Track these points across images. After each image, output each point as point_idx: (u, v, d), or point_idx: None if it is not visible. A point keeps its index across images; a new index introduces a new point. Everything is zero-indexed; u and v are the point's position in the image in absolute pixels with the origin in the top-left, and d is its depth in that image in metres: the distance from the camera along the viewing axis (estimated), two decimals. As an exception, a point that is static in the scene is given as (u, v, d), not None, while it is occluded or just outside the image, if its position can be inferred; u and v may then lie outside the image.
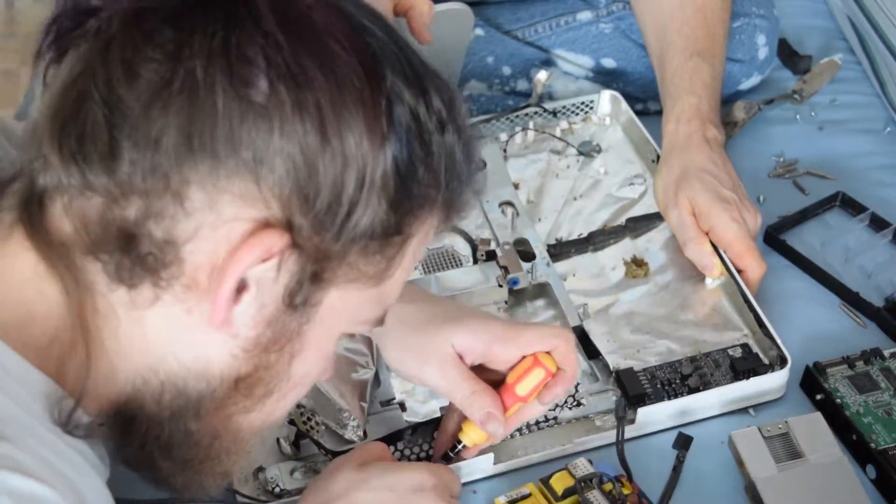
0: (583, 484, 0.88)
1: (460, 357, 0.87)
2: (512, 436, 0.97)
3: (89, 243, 0.58)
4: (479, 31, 1.33)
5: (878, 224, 1.18)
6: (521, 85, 1.32)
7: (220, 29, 0.56)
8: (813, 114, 1.34)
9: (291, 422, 0.95)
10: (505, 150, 1.24)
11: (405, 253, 0.63)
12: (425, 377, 0.89)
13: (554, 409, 0.99)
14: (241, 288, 0.59)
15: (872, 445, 0.96)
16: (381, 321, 0.67)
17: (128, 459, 0.66)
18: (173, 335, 0.61)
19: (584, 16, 1.34)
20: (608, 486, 0.88)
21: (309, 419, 0.95)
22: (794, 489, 0.91)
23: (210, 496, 0.69)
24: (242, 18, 0.56)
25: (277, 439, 0.94)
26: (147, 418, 0.63)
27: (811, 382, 1.02)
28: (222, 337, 0.60)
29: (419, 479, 0.81)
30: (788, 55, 1.41)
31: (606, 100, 1.29)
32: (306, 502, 0.81)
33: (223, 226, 0.57)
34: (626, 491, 0.88)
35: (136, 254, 0.57)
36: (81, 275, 0.59)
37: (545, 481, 0.89)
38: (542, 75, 1.25)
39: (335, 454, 0.93)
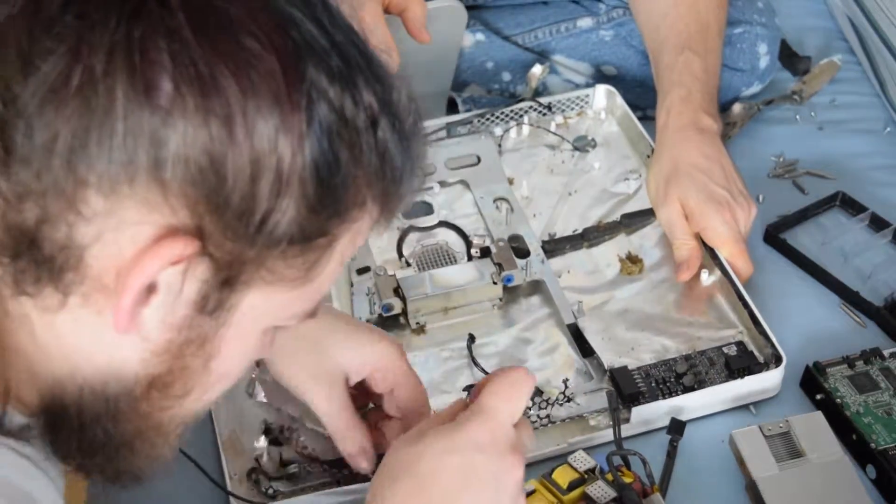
0: (587, 475, 0.88)
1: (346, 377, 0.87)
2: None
3: None
4: (479, 37, 1.33)
5: (877, 224, 1.17)
6: (521, 90, 1.31)
7: (124, 21, 0.52)
8: (813, 114, 1.34)
9: (273, 441, 0.94)
10: (500, 146, 1.23)
11: (332, 254, 0.60)
12: (310, 396, 0.88)
13: (547, 408, 0.97)
14: (150, 290, 0.56)
15: (872, 445, 0.95)
16: (312, 314, 0.64)
17: (60, 456, 0.64)
18: (85, 338, 0.58)
19: (585, 22, 1.34)
20: (610, 476, 0.87)
21: (290, 433, 0.95)
22: (794, 488, 0.90)
23: (146, 481, 0.67)
24: (149, 8, 0.52)
25: (257, 458, 0.93)
26: (70, 418, 0.61)
27: (811, 382, 1.01)
28: (133, 339, 0.57)
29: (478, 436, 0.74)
30: (788, 56, 1.40)
31: (602, 94, 1.28)
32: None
33: (127, 229, 0.54)
34: (627, 479, 0.88)
35: (37, 258, 0.54)
36: None
37: (547, 476, 0.89)
38: (536, 69, 1.25)
39: (322, 462, 0.93)
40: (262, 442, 0.94)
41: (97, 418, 0.60)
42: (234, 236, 0.55)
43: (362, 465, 0.88)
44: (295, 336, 0.83)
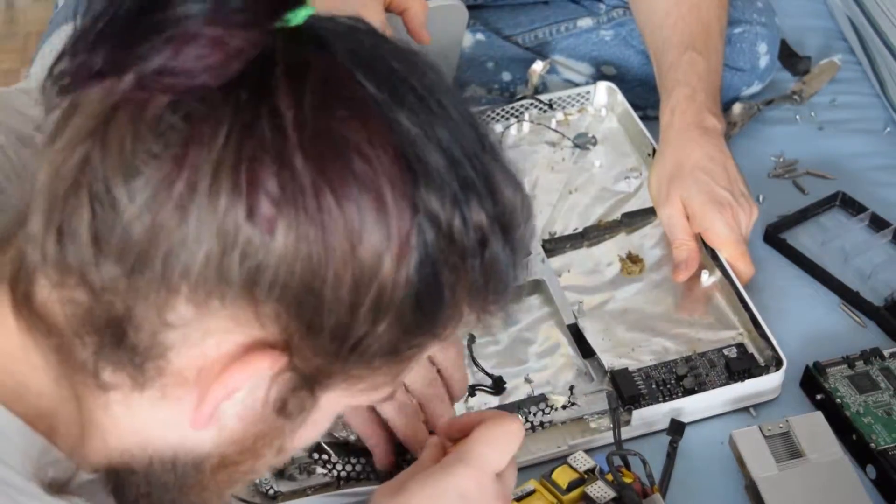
0: (587, 476, 0.88)
1: None
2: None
3: (76, 327, 0.54)
4: (479, 36, 1.32)
5: (877, 224, 1.17)
6: (521, 90, 1.31)
7: (234, 133, 0.50)
8: (813, 114, 1.33)
9: None
10: (500, 143, 1.22)
11: (419, 359, 0.59)
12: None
13: (549, 413, 0.97)
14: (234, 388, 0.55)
15: (872, 445, 0.95)
16: (391, 397, 0.64)
17: None
18: (160, 422, 0.57)
19: (585, 22, 1.34)
20: (610, 476, 0.87)
21: None
22: (794, 489, 0.90)
23: None
24: (261, 126, 0.50)
25: None
26: (138, 484, 0.60)
27: (811, 382, 1.01)
28: (208, 429, 0.57)
29: (464, 486, 0.73)
30: (788, 56, 1.40)
31: (602, 91, 1.27)
32: None
33: (215, 337, 0.53)
34: (627, 480, 0.88)
35: (120, 346, 0.54)
36: (71, 354, 0.55)
37: (547, 476, 0.89)
38: (537, 66, 1.24)
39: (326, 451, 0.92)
40: None
41: (165, 487, 0.60)
42: (323, 354, 0.54)
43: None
44: None
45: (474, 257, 0.55)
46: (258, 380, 0.55)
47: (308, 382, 0.56)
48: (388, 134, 0.53)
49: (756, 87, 1.33)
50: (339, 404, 0.60)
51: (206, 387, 0.54)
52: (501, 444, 0.73)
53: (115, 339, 0.53)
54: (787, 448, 0.92)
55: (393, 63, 0.55)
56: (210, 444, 0.58)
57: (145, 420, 0.57)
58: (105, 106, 0.51)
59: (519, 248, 0.58)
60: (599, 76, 1.33)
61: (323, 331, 0.53)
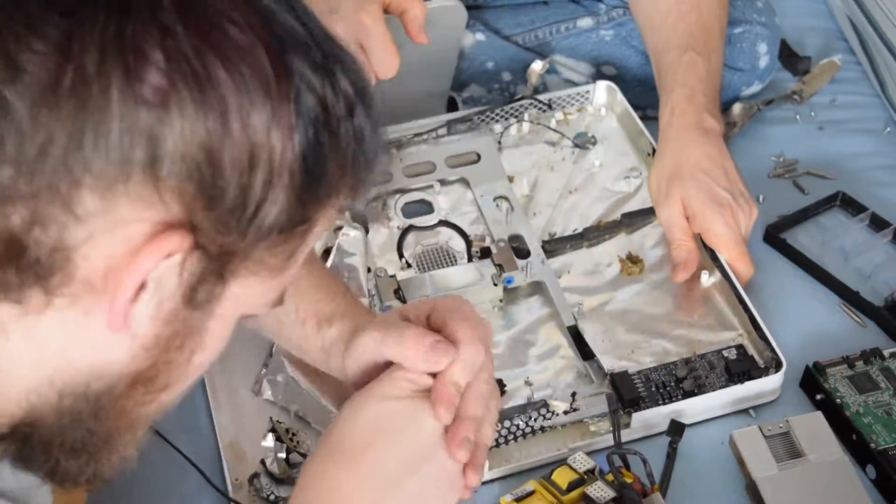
0: (586, 476, 0.88)
1: None
2: (507, 442, 0.96)
3: None
4: (479, 36, 1.32)
5: (877, 224, 1.17)
6: (521, 90, 1.31)
7: (113, 17, 0.51)
8: (813, 114, 1.34)
9: (279, 439, 0.94)
10: (499, 143, 1.23)
11: (308, 240, 0.61)
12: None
13: (551, 419, 0.97)
14: (140, 287, 0.55)
15: (872, 445, 0.95)
16: (280, 301, 0.64)
17: (31, 470, 0.63)
18: (69, 340, 0.57)
19: (585, 22, 1.34)
20: (610, 477, 0.88)
21: (294, 436, 0.95)
22: (794, 489, 0.90)
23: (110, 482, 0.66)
24: (138, 5, 0.52)
25: (262, 460, 0.93)
26: (47, 429, 0.60)
27: (811, 382, 1.01)
28: (121, 337, 0.57)
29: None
30: (788, 56, 1.40)
31: (602, 90, 1.28)
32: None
33: (120, 229, 0.54)
34: (627, 479, 0.88)
35: (22, 262, 0.53)
36: None
37: (547, 477, 0.89)
38: (537, 65, 1.24)
39: None
40: (270, 440, 0.93)
41: (78, 418, 0.60)
42: (225, 229, 0.55)
43: None
44: None
45: (346, 125, 0.58)
46: (167, 269, 0.55)
47: (213, 265, 0.56)
48: (250, 4, 0.56)
49: (756, 87, 1.33)
50: (242, 304, 0.61)
51: (118, 284, 0.54)
52: (427, 354, 0.75)
53: (16, 256, 0.53)
54: (787, 448, 0.93)
55: None
56: (123, 357, 0.58)
57: (52, 345, 0.57)
58: None
59: (377, 124, 0.61)
60: (599, 76, 1.33)
61: (224, 200, 0.54)
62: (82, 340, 0.57)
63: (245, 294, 0.60)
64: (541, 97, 1.26)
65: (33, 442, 0.60)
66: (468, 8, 1.23)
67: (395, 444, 0.72)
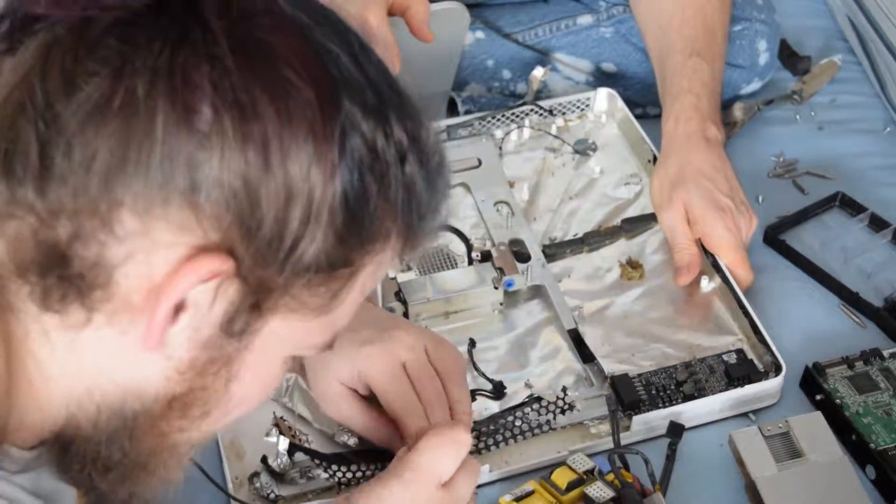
0: (586, 476, 0.88)
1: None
2: (507, 443, 0.96)
3: (19, 264, 0.55)
4: (479, 34, 1.32)
5: (877, 224, 1.17)
6: (521, 88, 1.32)
7: (167, 46, 0.53)
8: (813, 114, 1.34)
9: (281, 433, 0.94)
10: (500, 148, 1.23)
11: (354, 284, 0.61)
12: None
13: (546, 414, 0.98)
14: (178, 308, 0.56)
15: (872, 446, 0.95)
16: (329, 346, 0.65)
17: (69, 480, 0.64)
18: (107, 357, 0.58)
19: (585, 19, 1.34)
20: (610, 477, 0.88)
21: (296, 434, 0.95)
22: (794, 489, 0.90)
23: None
24: (193, 37, 0.54)
25: (264, 456, 0.93)
26: (84, 441, 0.61)
27: (811, 383, 1.01)
28: (157, 358, 0.58)
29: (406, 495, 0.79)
30: (788, 56, 1.40)
31: (603, 97, 1.28)
32: None
33: (160, 251, 0.55)
34: (627, 479, 0.88)
35: (66, 275, 0.55)
36: (9, 299, 0.57)
37: (547, 477, 0.89)
38: (538, 72, 1.25)
39: (326, 458, 0.92)
40: (274, 435, 0.94)
41: (114, 436, 0.61)
42: (263, 262, 0.56)
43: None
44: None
45: (395, 170, 0.58)
46: (205, 293, 0.56)
47: (251, 297, 0.57)
48: (309, 44, 0.57)
49: (756, 85, 1.33)
50: (284, 343, 0.61)
51: (157, 303, 0.55)
52: (445, 454, 0.78)
53: (59, 268, 0.55)
54: (787, 448, 0.93)
55: None
56: (157, 378, 0.59)
57: (91, 359, 0.58)
58: (46, 39, 0.54)
59: (436, 177, 0.61)
60: (599, 73, 1.33)
61: (261, 233, 0.55)
62: (119, 357, 0.58)
63: (287, 332, 0.60)
64: (542, 103, 1.26)
65: (71, 452, 0.62)
66: (468, 6, 1.23)
67: None
